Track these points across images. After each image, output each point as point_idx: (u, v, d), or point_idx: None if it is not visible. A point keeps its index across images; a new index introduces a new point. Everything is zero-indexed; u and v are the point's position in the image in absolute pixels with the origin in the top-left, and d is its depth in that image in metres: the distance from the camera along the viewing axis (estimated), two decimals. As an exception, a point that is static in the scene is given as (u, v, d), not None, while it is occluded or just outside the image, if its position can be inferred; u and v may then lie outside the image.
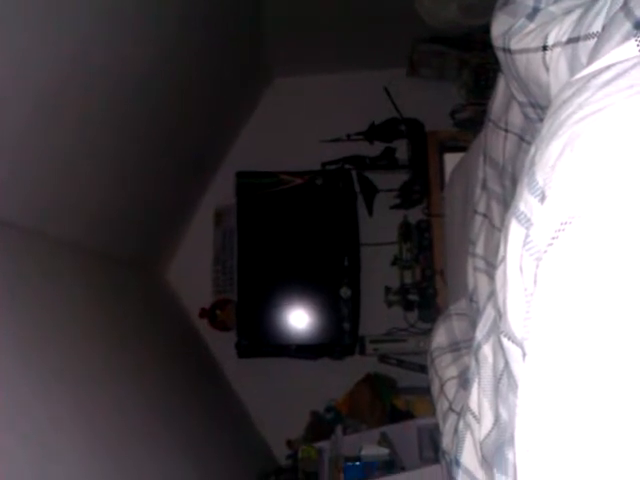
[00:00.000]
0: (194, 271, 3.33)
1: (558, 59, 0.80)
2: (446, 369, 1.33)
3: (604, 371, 0.40)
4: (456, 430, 1.04)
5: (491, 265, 1.27)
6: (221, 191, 3.32)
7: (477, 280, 1.33)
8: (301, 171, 3.18)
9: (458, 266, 1.58)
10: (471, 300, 1.36)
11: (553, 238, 0.48)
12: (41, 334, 1.56)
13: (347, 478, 2.14)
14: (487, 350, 0.87)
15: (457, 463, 0.94)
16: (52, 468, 1.32)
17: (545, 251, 0.48)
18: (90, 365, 1.75)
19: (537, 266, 0.49)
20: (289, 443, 2.93)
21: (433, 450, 2.22)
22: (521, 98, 1.00)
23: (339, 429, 2.59)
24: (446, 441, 1.13)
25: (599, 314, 0.42)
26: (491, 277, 1.24)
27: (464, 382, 1.20)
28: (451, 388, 1.26)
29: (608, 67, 0.57)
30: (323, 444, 2.54)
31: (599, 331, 0.41)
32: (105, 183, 2.13)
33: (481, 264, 1.34)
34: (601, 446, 0.39)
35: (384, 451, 2.30)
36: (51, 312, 1.68)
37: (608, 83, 0.54)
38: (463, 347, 1.36)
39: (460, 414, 1.09)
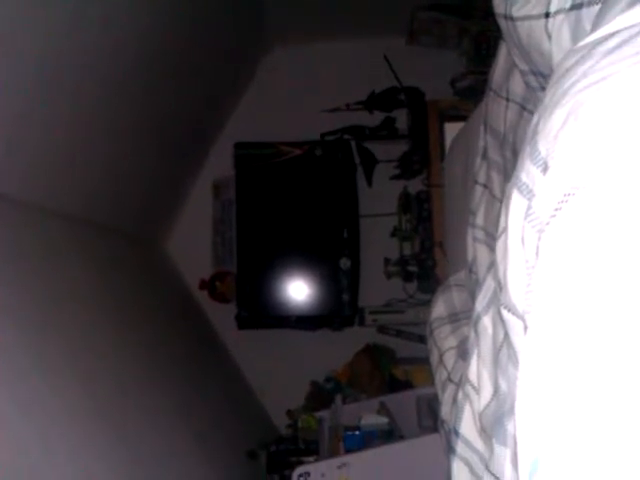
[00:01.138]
0: (193, 243, 3.32)
1: (561, 26, 0.78)
2: (445, 340, 1.34)
3: (606, 345, 0.40)
4: (455, 400, 1.05)
5: (491, 236, 1.27)
6: (220, 162, 3.29)
7: (476, 251, 1.32)
8: (300, 142, 3.15)
9: (458, 237, 1.57)
10: (470, 271, 1.36)
11: (556, 209, 0.47)
12: (41, 307, 1.56)
13: (347, 447, 2.17)
14: (487, 321, 0.87)
15: (456, 433, 0.95)
16: (53, 435, 1.33)
17: (547, 223, 0.47)
18: (90, 337, 1.75)
19: (539, 238, 0.49)
20: (289, 413, 2.96)
21: (432, 419, 2.24)
22: (523, 66, 0.98)
23: (339, 398, 2.61)
24: (445, 410, 1.14)
25: (602, 287, 0.41)
26: (491, 248, 1.23)
27: (463, 352, 1.20)
28: (450, 358, 1.27)
29: (613, 34, 0.56)
30: (323, 413, 2.57)
31: (602, 304, 0.41)
32: (103, 156, 2.11)
33: (481, 235, 1.33)
34: (603, 420, 0.39)
35: (383, 420, 2.33)
36: (50, 285, 1.68)
37: (613, 50, 0.53)
38: (462, 318, 1.37)
39: (459, 384, 1.09)
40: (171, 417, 2.03)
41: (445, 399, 1.17)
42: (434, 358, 1.35)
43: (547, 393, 0.42)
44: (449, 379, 1.20)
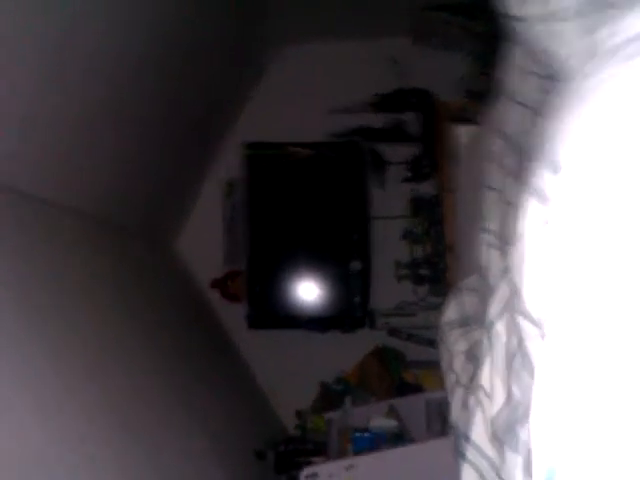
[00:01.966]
0: (204, 242, 3.33)
1: (573, 29, 0.78)
2: (455, 343, 1.33)
3: (625, 354, 0.40)
4: (464, 404, 1.04)
5: (504, 241, 1.26)
6: (229, 162, 3.30)
7: (489, 256, 1.32)
8: (310, 142, 3.15)
9: (469, 241, 1.57)
10: (482, 276, 1.35)
11: (572, 212, 0.47)
12: (51, 302, 1.57)
13: (355, 448, 2.17)
14: (500, 328, 0.86)
15: (467, 439, 0.95)
16: (67, 436, 1.34)
17: (565, 226, 0.47)
18: (102, 334, 1.77)
19: (556, 242, 0.48)
20: (298, 413, 2.96)
21: (441, 423, 2.24)
22: (534, 69, 0.98)
23: (348, 400, 2.61)
24: (454, 414, 1.14)
25: (623, 295, 0.41)
26: (503, 253, 1.23)
27: (471, 356, 1.20)
28: (459, 362, 1.27)
29: (630, 40, 0.56)
30: (332, 415, 2.57)
31: (622, 313, 0.41)
32: (113, 154, 2.12)
33: (493, 240, 1.32)
34: (620, 428, 0.39)
35: (392, 423, 2.32)
36: (61, 281, 1.69)
37: (630, 56, 0.52)
38: (473, 322, 1.36)
39: (467, 387, 1.09)
40: (180, 413, 2.04)
41: (454, 402, 1.16)
42: (445, 362, 1.35)
43: (564, 401, 0.42)
44: (457, 382, 1.20)
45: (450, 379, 1.26)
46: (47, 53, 1.48)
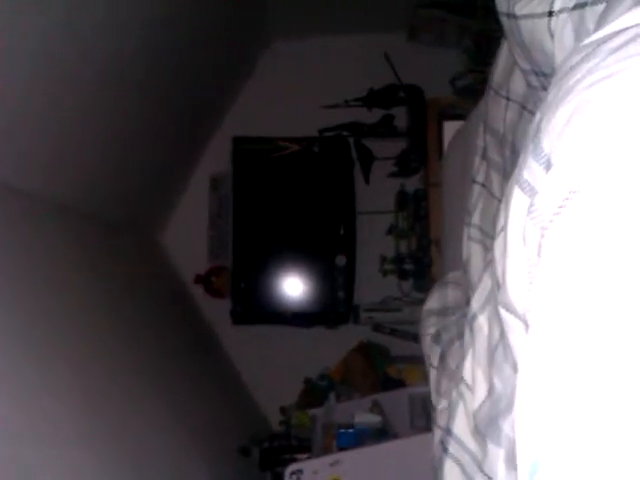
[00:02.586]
0: (189, 237, 3.31)
1: (564, 25, 0.77)
2: (427, 328, 1.36)
3: (609, 346, 0.39)
4: (440, 392, 1.06)
5: (487, 235, 1.26)
6: (217, 156, 3.28)
7: (471, 250, 1.32)
8: (298, 137, 3.14)
9: (454, 236, 1.57)
10: (465, 270, 1.36)
11: (560, 207, 0.46)
12: (33, 296, 1.55)
13: (340, 445, 2.17)
14: (482, 320, 0.86)
15: (449, 432, 0.94)
16: (45, 429, 1.32)
17: (551, 220, 0.47)
18: (82, 329, 1.74)
19: (542, 236, 0.48)
20: (282, 410, 2.96)
21: (424, 418, 2.24)
22: (524, 65, 0.97)
23: (332, 396, 2.61)
24: (432, 397, 1.16)
25: (606, 287, 0.41)
26: (486, 247, 1.23)
27: (437, 337, 1.24)
28: (428, 344, 1.29)
29: (618, 32, 0.55)
30: (316, 411, 2.57)
31: (606, 305, 0.40)
32: (99, 147, 2.10)
33: (476, 234, 1.33)
34: (606, 422, 0.38)
35: (376, 418, 2.32)
36: (43, 275, 1.66)
37: (619, 48, 0.52)
38: (451, 313, 1.37)
39: (438, 369, 1.11)
40: (164, 411, 2.02)
41: (431, 385, 1.18)
42: (423, 347, 1.37)
43: (548, 393, 0.42)
44: (430, 364, 1.23)
45: (426, 363, 1.28)
46: (37, 48, 1.46)
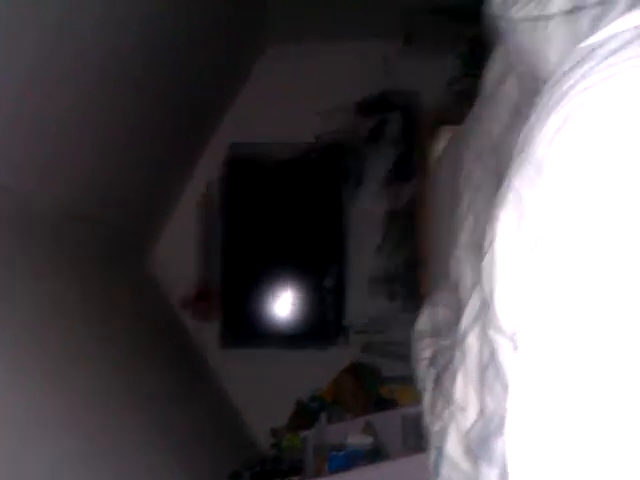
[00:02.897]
0: (178, 258, 3.28)
1: (559, 29, 0.78)
2: (422, 351, 1.35)
3: (599, 367, 0.39)
4: (433, 409, 1.05)
5: (475, 253, 1.26)
6: (208, 171, 3.27)
7: (460, 269, 1.32)
8: (292, 142, 3.15)
9: (442, 255, 1.57)
10: (455, 289, 1.35)
11: (552, 215, 0.46)
12: (20, 318, 1.52)
13: (332, 467, 2.14)
14: (472, 340, 0.86)
15: (441, 454, 0.94)
16: (28, 452, 1.29)
17: (540, 237, 0.47)
18: (69, 347, 1.72)
19: (531, 250, 0.48)
20: (273, 431, 2.92)
21: (417, 438, 2.22)
22: (519, 68, 0.98)
23: (323, 417, 2.58)
24: (426, 419, 1.14)
25: (595, 309, 0.41)
26: (475, 267, 1.23)
27: (434, 361, 1.22)
28: (423, 368, 1.28)
29: (612, 37, 0.56)
30: (307, 433, 2.54)
31: (595, 327, 0.40)
32: (90, 159, 2.08)
33: (464, 254, 1.33)
34: (595, 442, 0.38)
35: (368, 440, 2.30)
36: (31, 297, 1.64)
37: (613, 53, 0.52)
38: (443, 334, 1.37)
39: (433, 392, 1.10)
40: (152, 435, 1.99)
41: (424, 407, 1.17)
42: (414, 370, 1.36)
43: (538, 414, 0.42)
44: (423, 388, 1.21)
45: (419, 386, 1.27)
46: (35, 47, 1.45)
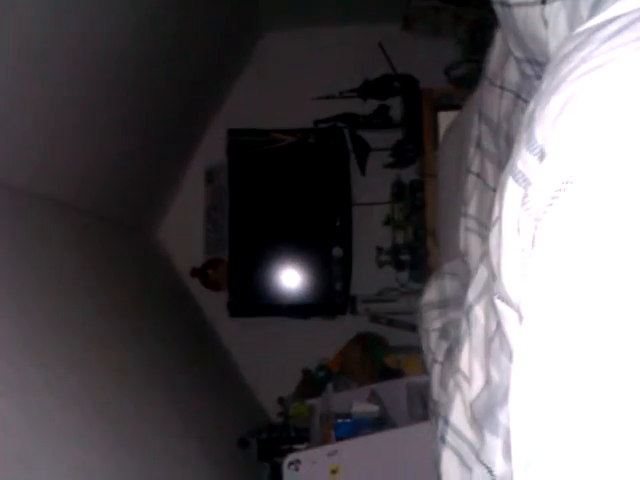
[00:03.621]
0: (185, 230, 3.31)
1: (557, 13, 0.77)
2: (431, 322, 1.35)
3: (603, 337, 0.39)
4: (443, 382, 1.05)
5: (483, 225, 1.26)
6: (212, 149, 3.27)
7: (468, 240, 1.32)
8: (293, 129, 3.13)
9: (450, 226, 1.57)
10: (462, 260, 1.36)
11: (553, 198, 0.46)
12: (30, 296, 1.54)
13: (338, 434, 2.17)
14: (479, 311, 0.86)
15: (446, 422, 0.95)
16: (46, 428, 1.32)
17: (545, 212, 0.47)
18: (81, 326, 1.74)
19: (536, 227, 0.48)
20: (280, 400, 2.96)
21: (422, 407, 2.25)
22: (518, 54, 0.97)
23: (330, 386, 2.62)
24: (434, 392, 1.15)
25: (599, 277, 0.41)
26: (483, 238, 1.23)
27: (445, 333, 1.23)
28: (433, 340, 1.29)
29: (612, 20, 0.55)
30: (314, 401, 2.57)
31: (599, 295, 0.40)
32: (93, 142, 2.08)
33: (473, 224, 1.33)
34: (599, 415, 0.38)
35: (374, 408, 2.33)
36: (38, 272, 1.66)
37: (612, 36, 0.52)
38: (451, 304, 1.37)
39: (444, 365, 1.10)
40: (162, 405, 2.02)
41: (433, 380, 1.18)
42: (423, 342, 1.36)
43: (542, 386, 0.42)
44: (434, 360, 1.22)
45: (427, 358, 1.28)
46: (29, 41, 1.44)
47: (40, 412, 1.32)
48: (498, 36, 1.21)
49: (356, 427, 2.20)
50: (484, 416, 0.75)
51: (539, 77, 0.91)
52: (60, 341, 1.57)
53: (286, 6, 3.08)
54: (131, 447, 1.63)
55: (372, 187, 3.21)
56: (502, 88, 1.18)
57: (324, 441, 2.18)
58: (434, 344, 1.26)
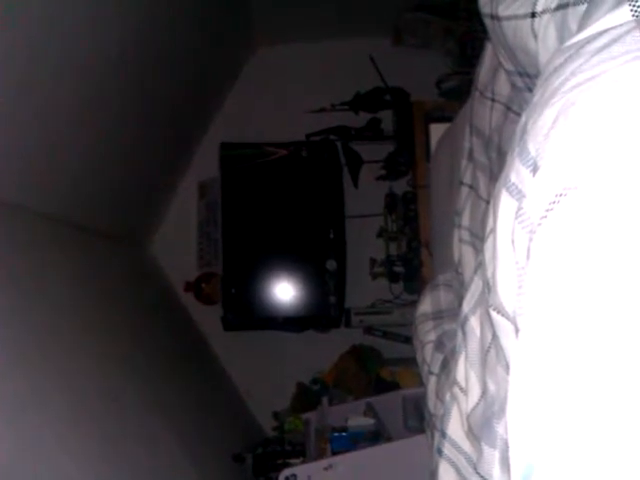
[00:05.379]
0: (178, 244, 3.30)
1: (547, 26, 0.78)
2: (426, 334, 1.35)
3: (600, 348, 0.40)
4: (439, 394, 1.05)
5: (477, 237, 1.27)
6: (205, 163, 3.28)
7: (462, 252, 1.33)
8: (285, 142, 3.14)
9: (443, 238, 1.57)
10: (456, 272, 1.36)
11: (547, 210, 0.46)
12: (17, 312, 1.53)
13: (334, 448, 2.16)
14: (474, 322, 0.86)
15: (443, 434, 0.95)
16: (33, 440, 1.31)
17: (539, 224, 0.47)
18: (70, 343, 1.72)
19: (530, 239, 0.48)
20: (275, 415, 2.95)
21: (418, 420, 2.24)
22: (509, 66, 0.98)
23: (325, 400, 2.60)
24: (430, 404, 1.15)
25: (595, 289, 0.41)
26: (477, 249, 1.24)
27: (439, 345, 1.22)
28: (428, 351, 1.28)
29: (601, 33, 0.56)
30: (309, 415, 2.56)
31: (595, 307, 0.41)
32: (85, 155, 2.08)
33: (466, 236, 1.33)
34: (597, 424, 0.38)
35: (369, 421, 2.32)
36: (30, 287, 1.65)
37: (602, 49, 0.52)
38: (446, 316, 1.37)
39: (439, 376, 1.10)
40: (156, 420, 2.00)
41: (429, 392, 1.18)
42: (418, 354, 1.36)
43: (539, 397, 0.42)
44: (429, 372, 1.21)
45: (423, 370, 1.28)
46: (14, 52, 1.44)
47: (29, 428, 1.30)
48: (488, 48, 1.22)
49: (352, 441, 2.19)
50: (481, 428, 0.75)
51: (530, 89, 0.92)
52: (49, 357, 1.56)
53: (279, 21, 3.11)
54: (122, 464, 1.62)
55: (365, 199, 3.22)
56: (493, 100, 1.19)
57: (320, 455, 2.17)
58: (429, 356, 1.26)
